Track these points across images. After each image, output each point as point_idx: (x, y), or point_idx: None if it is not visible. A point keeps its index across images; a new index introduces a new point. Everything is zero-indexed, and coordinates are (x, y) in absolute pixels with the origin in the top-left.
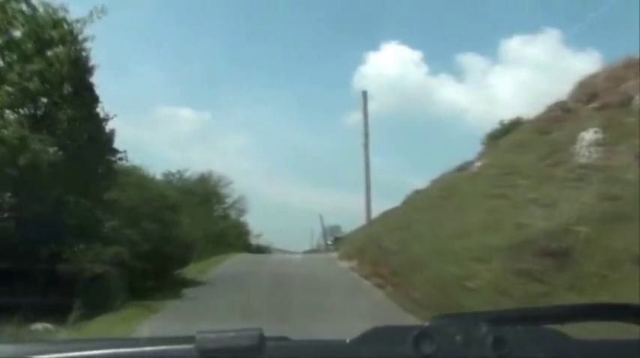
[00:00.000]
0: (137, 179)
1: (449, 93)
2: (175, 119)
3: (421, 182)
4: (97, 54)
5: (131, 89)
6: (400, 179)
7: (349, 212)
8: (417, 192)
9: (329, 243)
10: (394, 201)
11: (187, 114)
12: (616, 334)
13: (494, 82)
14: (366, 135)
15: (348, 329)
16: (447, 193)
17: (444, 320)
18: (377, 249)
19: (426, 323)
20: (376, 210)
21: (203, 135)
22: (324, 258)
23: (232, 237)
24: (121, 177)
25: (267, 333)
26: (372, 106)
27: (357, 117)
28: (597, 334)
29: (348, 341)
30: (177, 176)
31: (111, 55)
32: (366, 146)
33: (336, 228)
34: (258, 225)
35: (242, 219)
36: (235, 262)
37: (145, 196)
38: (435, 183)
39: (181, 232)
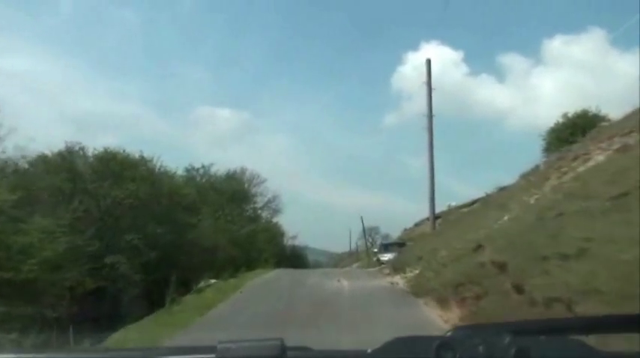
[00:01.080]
0: (144, 172)
1: (489, 94)
2: (216, 119)
3: (460, 184)
4: (140, 53)
5: (173, 88)
6: (440, 180)
7: (388, 213)
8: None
9: (375, 250)
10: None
11: (227, 114)
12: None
13: (536, 83)
14: (430, 130)
15: None
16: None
17: (465, 331)
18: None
19: (448, 334)
20: (416, 212)
21: (243, 135)
22: (387, 286)
23: (263, 242)
24: (123, 170)
25: (288, 343)
26: (410, 107)
27: (395, 117)
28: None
29: (369, 351)
30: (202, 171)
31: (154, 54)
32: (430, 145)
33: (375, 228)
34: (295, 225)
35: (276, 220)
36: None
37: (152, 193)
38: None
39: (200, 236)
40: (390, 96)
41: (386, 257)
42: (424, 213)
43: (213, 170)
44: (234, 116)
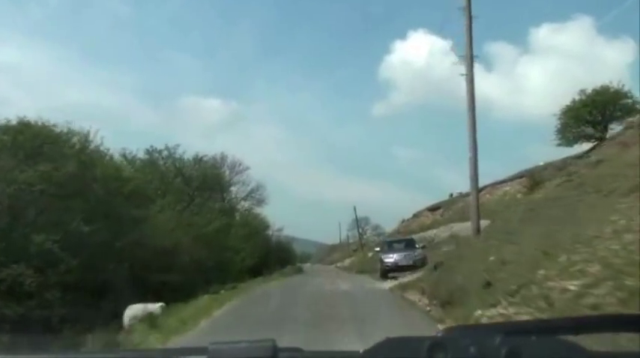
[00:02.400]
0: (70, 150)
1: (478, 83)
2: (204, 108)
3: (450, 173)
4: (129, 42)
5: (162, 78)
6: (428, 170)
7: (378, 204)
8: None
9: (377, 249)
10: (425, 194)
11: (216, 103)
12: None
13: (523, 72)
14: (471, 81)
15: None
16: None
17: (457, 332)
18: None
19: (439, 334)
20: (406, 203)
21: (232, 124)
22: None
23: (240, 238)
24: (39, 146)
25: (280, 344)
26: (398, 97)
27: (383, 107)
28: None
29: (361, 351)
30: (166, 154)
31: (143, 43)
32: (471, 109)
33: (365, 219)
34: (283, 216)
35: (260, 211)
36: None
37: (79, 177)
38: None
39: (150, 234)
40: (378, 86)
41: (391, 258)
42: (417, 203)
43: (182, 154)
44: (223, 106)
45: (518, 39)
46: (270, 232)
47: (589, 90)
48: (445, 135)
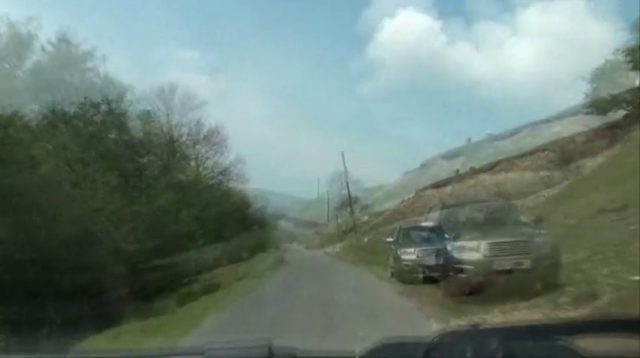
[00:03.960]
0: None
1: (466, 63)
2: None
3: (440, 150)
4: None
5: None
6: (420, 148)
7: (364, 175)
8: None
9: (389, 240)
10: (415, 170)
11: (204, 80)
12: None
13: (511, 51)
14: None
15: None
16: None
17: (454, 334)
18: None
19: (436, 337)
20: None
21: (218, 98)
22: None
23: (183, 222)
24: None
25: (276, 344)
26: (386, 76)
27: (372, 86)
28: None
29: (357, 352)
30: (104, 109)
31: None
32: None
33: (345, 174)
34: (260, 170)
35: (241, 188)
36: None
37: None
38: None
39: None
40: (365, 64)
41: (411, 254)
42: (413, 183)
43: (129, 107)
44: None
45: (508, 18)
46: (251, 210)
47: (623, 49)
48: (433, 113)
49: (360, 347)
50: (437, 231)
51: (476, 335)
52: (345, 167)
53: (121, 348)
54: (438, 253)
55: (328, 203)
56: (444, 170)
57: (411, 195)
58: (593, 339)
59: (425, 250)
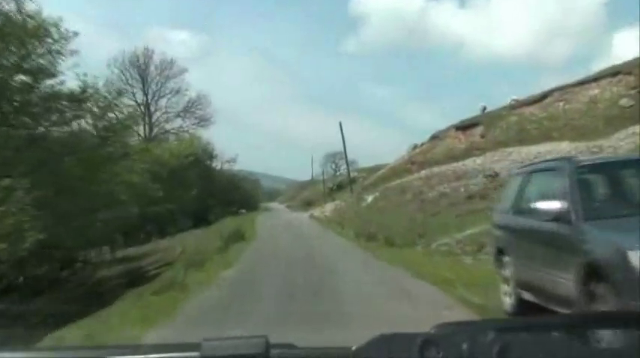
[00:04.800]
0: None
1: (450, 21)
2: (172, 41)
3: (423, 113)
4: None
5: (125, 7)
6: (401, 109)
7: (354, 142)
8: None
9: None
10: (400, 132)
11: (184, 35)
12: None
13: (497, 10)
14: None
15: None
16: None
17: (450, 328)
18: None
19: (432, 331)
20: (379, 141)
21: (201, 58)
22: None
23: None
24: None
25: (272, 340)
26: (368, 34)
27: (354, 43)
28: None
29: (353, 348)
30: None
31: None
32: None
33: (339, 154)
34: (256, 150)
35: (206, 134)
36: None
37: None
38: None
39: None
40: (348, 21)
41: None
42: (394, 140)
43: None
44: (192, 38)
45: None
46: (219, 164)
47: None
48: (416, 73)
49: (355, 343)
50: None
51: (472, 328)
52: (342, 135)
53: (117, 344)
54: None
55: (324, 182)
56: (462, 143)
57: (424, 141)
58: (590, 334)
59: None
